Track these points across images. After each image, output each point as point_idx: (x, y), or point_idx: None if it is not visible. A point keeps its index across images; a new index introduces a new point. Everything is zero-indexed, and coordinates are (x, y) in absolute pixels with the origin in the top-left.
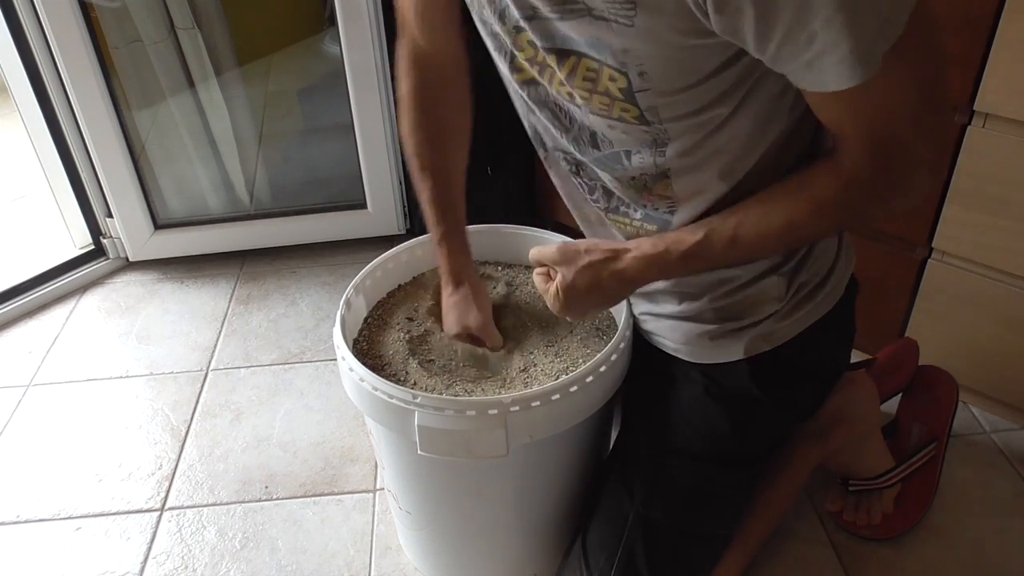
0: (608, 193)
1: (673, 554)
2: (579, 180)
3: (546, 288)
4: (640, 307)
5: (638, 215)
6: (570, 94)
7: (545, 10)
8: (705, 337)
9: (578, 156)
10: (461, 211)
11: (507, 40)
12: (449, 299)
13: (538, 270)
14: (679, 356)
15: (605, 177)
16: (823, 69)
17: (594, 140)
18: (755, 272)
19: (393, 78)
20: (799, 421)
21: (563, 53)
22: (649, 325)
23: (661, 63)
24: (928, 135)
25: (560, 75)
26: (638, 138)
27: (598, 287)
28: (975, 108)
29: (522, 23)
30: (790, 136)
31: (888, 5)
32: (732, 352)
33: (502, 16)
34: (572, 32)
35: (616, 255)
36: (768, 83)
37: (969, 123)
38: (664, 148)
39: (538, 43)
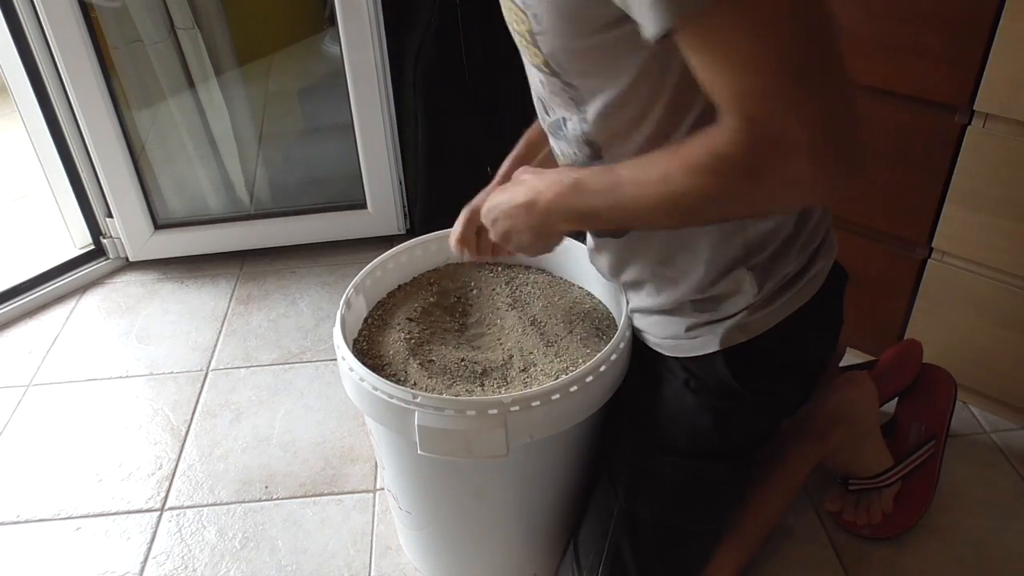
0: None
1: (659, 549)
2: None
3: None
4: (631, 303)
5: None
6: (519, 35)
7: None
8: (682, 330)
9: (547, 121)
10: (540, 146)
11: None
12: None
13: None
14: (661, 352)
15: (563, 152)
16: (642, 10)
17: (543, 106)
18: (723, 265)
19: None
20: (785, 416)
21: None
22: (637, 322)
23: (546, 6)
24: (805, 119)
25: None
26: (561, 98)
27: (511, 201)
28: (975, 108)
29: None
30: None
31: None
32: (708, 344)
33: None
34: None
35: (541, 175)
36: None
37: (969, 123)
38: (584, 111)
39: None
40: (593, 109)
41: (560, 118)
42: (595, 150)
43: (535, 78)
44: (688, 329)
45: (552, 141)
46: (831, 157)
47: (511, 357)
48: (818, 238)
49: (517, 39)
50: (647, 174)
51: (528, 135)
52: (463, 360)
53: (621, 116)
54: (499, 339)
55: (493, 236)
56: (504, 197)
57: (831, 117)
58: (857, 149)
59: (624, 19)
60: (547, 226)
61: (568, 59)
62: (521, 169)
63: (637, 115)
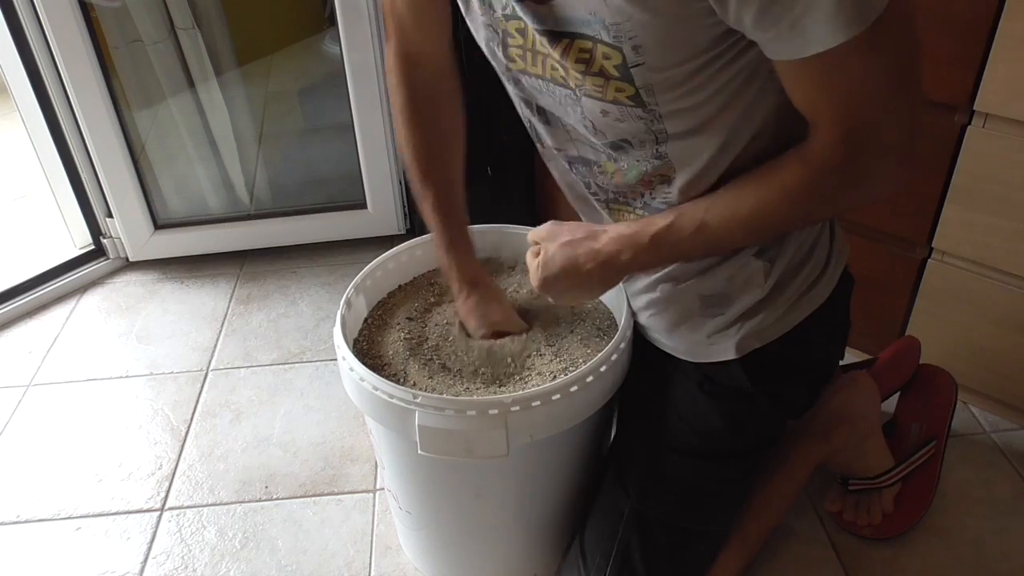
0: (604, 186)
1: (669, 550)
2: (577, 174)
3: (531, 264)
4: (636, 301)
5: (638, 204)
6: (563, 77)
7: None
8: (700, 336)
9: (573, 151)
10: (463, 214)
11: (498, 29)
12: (467, 302)
13: (531, 249)
14: (675, 355)
15: (604, 168)
16: (807, 28)
17: (592, 129)
18: (740, 256)
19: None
20: (793, 417)
21: (555, 35)
22: (645, 321)
23: (652, 32)
24: (899, 123)
25: (555, 55)
26: (633, 126)
27: (575, 265)
28: (975, 108)
29: (513, 5)
30: (778, 127)
31: None
32: (725, 352)
33: (491, 4)
34: (565, 8)
35: (594, 234)
36: (760, 70)
37: (969, 123)
38: (661, 132)
39: (530, 24)
40: (670, 128)
41: (620, 140)
42: (664, 161)
43: (595, 109)
44: (703, 336)
45: (571, 166)
46: (911, 155)
47: (511, 357)
48: (824, 239)
49: (593, 82)
50: (737, 210)
51: (457, 251)
52: (463, 360)
53: (700, 137)
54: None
55: (554, 300)
56: (565, 266)
57: (917, 119)
58: (921, 145)
59: (725, 36)
60: (618, 280)
61: (662, 85)
62: (550, 228)
63: (718, 129)
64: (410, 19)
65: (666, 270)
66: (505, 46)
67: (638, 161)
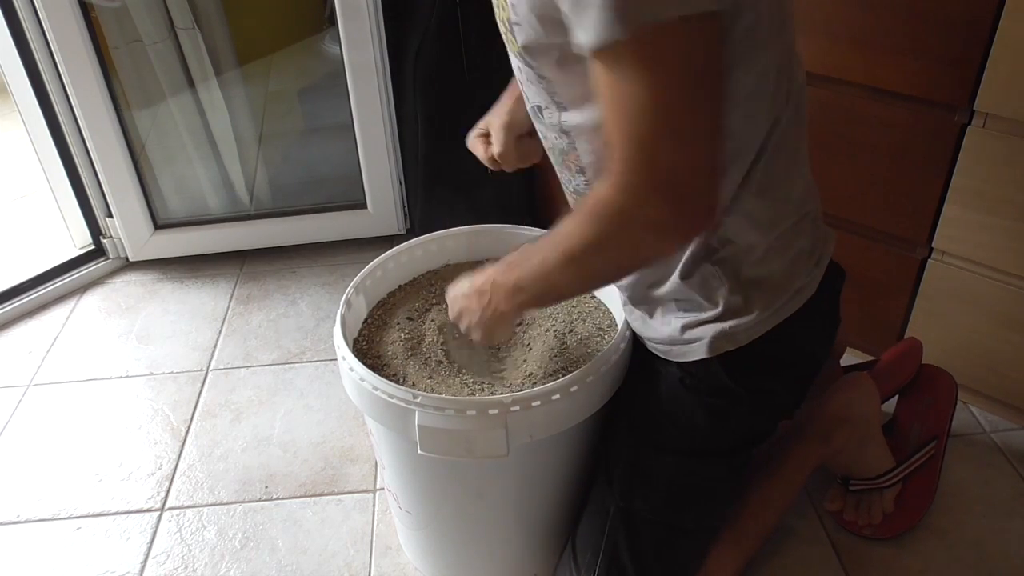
0: (562, 170)
1: (656, 547)
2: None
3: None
4: (627, 304)
5: (571, 186)
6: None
7: None
8: (674, 335)
9: (533, 120)
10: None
11: None
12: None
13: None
14: (657, 354)
15: (544, 135)
16: (583, 20)
17: (521, 90)
18: (690, 263)
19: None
20: (782, 414)
21: None
22: (634, 325)
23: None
24: (665, 168)
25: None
26: (536, 87)
27: (482, 292)
28: (975, 108)
29: None
30: None
31: None
32: (697, 352)
33: None
34: None
35: (481, 272)
36: None
37: (969, 123)
38: (557, 101)
39: None
40: (564, 100)
41: (536, 105)
42: (570, 139)
43: (514, 64)
44: (680, 337)
45: (537, 128)
46: (686, 207)
47: (512, 357)
48: (794, 246)
49: (500, 26)
50: (553, 236)
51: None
52: (463, 360)
53: (586, 111)
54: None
55: (450, 316)
56: (464, 281)
57: (692, 172)
58: (711, 202)
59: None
60: (491, 307)
61: (537, 52)
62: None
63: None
64: None
65: (633, 278)
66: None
67: (556, 137)
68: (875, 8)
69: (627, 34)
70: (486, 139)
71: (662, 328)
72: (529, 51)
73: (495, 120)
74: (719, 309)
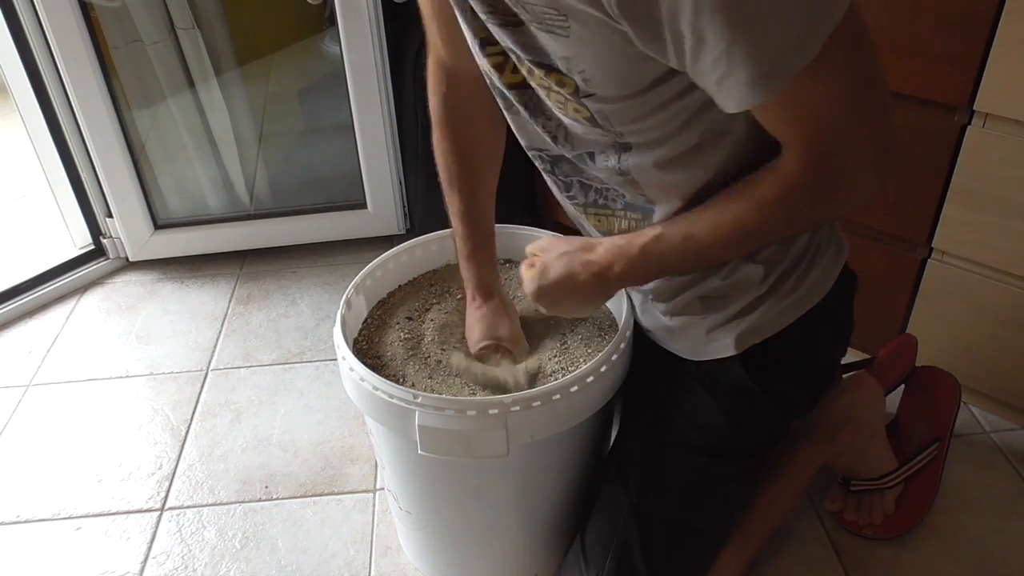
0: (585, 187)
1: (668, 546)
2: (553, 178)
3: (525, 275)
4: (638, 303)
5: (619, 204)
6: (532, 84)
7: (489, 20)
8: (699, 334)
9: (554, 151)
10: (490, 226)
11: (475, 40)
12: (477, 311)
13: (525, 261)
14: (675, 353)
15: (587, 176)
16: (729, 89)
17: (567, 135)
18: (734, 260)
19: (421, 89)
20: (794, 416)
21: (520, 60)
22: (647, 323)
23: (600, 69)
24: (865, 141)
25: (522, 70)
26: (596, 139)
27: (571, 275)
28: (975, 108)
29: (483, 18)
30: (748, 141)
31: (801, 29)
32: (724, 349)
33: (465, 12)
34: (518, 40)
35: (590, 246)
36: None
37: (969, 123)
38: (625, 148)
39: (498, 40)
40: (633, 142)
41: (585, 153)
42: (628, 177)
43: (561, 120)
44: (703, 334)
45: (551, 170)
46: (883, 167)
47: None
48: (819, 236)
49: (549, 95)
50: (718, 223)
51: (476, 258)
52: (463, 360)
53: (657, 149)
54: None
55: (548, 311)
56: (559, 277)
57: (883, 133)
58: (894, 153)
59: (671, 74)
60: (612, 292)
61: (616, 113)
62: (548, 241)
63: (682, 150)
64: (438, 31)
65: (670, 282)
66: (483, 48)
67: (609, 168)
68: (875, 8)
69: (782, 89)
70: (496, 348)
71: (684, 326)
72: (602, 114)
73: (504, 333)
74: (744, 305)
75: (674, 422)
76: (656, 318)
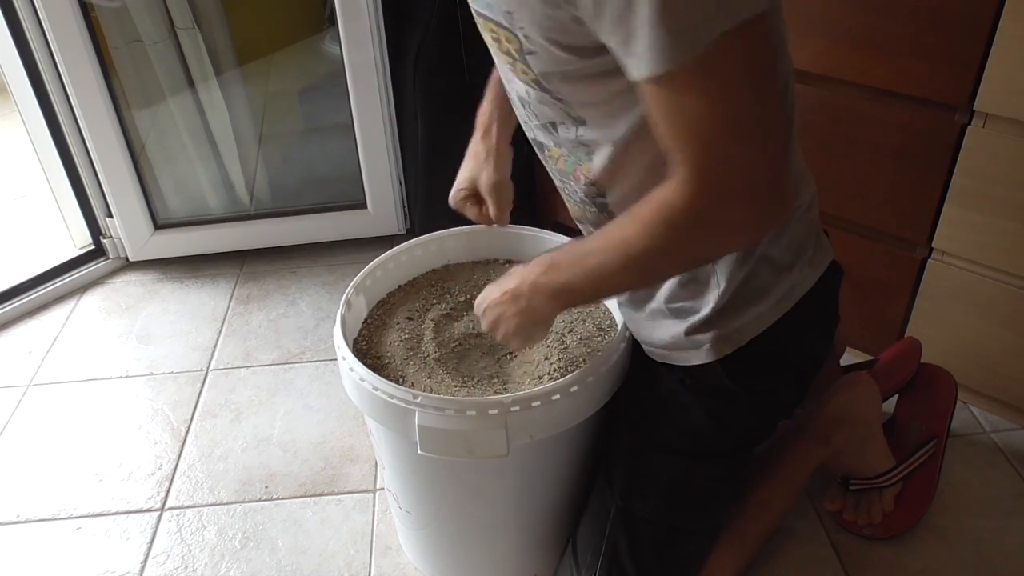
0: (554, 172)
1: (656, 548)
2: (541, 158)
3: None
4: (623, 310)
5: (576, 196)
6: (495, 53)
7: None
8: (676, 340)
9: (530, 133)
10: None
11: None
12: (472, 147)
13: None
14: (654, 358)
15: (551, 153)
16: (635, 51)
17: (528, 109)
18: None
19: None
20: (781, 414)
21: (478, 15)
22: (633, 328)
23: (536, 29)
24: (744, 166)
25: (485, 36)
26: (551, 108)
27: (518, 296)
28: (975, 108)
29: None
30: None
31: (711, 7)
32: (701, 355)
33: None
34: None
35: (530, 263)
36: None
37: (969, 123)
38: (576, 118)
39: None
40: (583, 115)
41: (549, 122)
42: (588, 150)
43: (520, 88)
44: (678, 339)
45: (542, 138)
46: (766, 203)
47: (511, 357)
48: (787, 244)
49: (500, 57)
50: (610, 241)
51: (494, 90)
52: (463, 360)
53: (611, 125)
54: None
55: (484, 326)
56: (494, 288)
57: (768, 169)
58: (787, 194)
59: (598, 50)
60: (531, 309)
61: (558, 79)
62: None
63: (624, 127)
64: None
65: (641, 307)
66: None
67: (570, 146)
68: (875, 8)
69: (682, 62)
70: (475, 199)
71: (660, 333)
72: (547, 77)
73: (484, 179)
74: (713, 310)
75: (657, 424)
76: (635, 322)
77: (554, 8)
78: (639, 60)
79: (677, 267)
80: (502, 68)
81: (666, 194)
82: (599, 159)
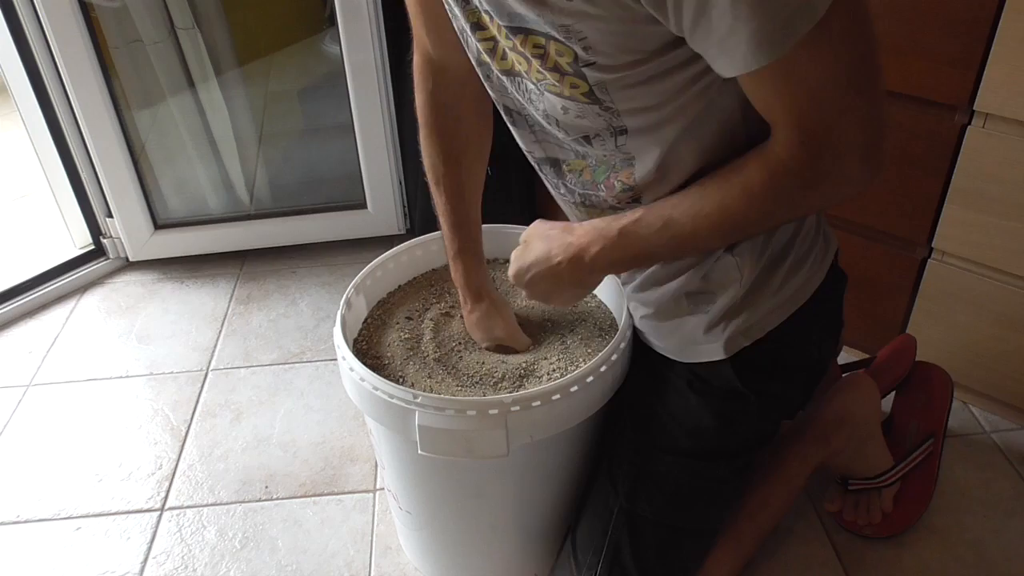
0: (573, 187)
1: (659, 548)
2: (545, 177)
3: (511, 258)
4: (631, 305)
5: (606, 208)
6: (527, 71)
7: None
8: (687, 335)
9: (540, 152)
10: (476, 225)
11: (468, 20)
12: (471, 315)
13: (517, 248)
14: (666, 355)
15: (572, 166)
16: (731, 49)
17: (556, 125)
18: (709, 254)
19: (406, 90)
20: (785, 416)
21: (514, 29)
22: (639, 324)
23: (601, 36)
24: (857, 125)
25: (518, 47)
26: (593, 122)
27: (547, 257)
28: (975, 108)
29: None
30: (746, 125)
31: None
32: (712, 351)
33: None
34: (518, 6)
35: (570, 228)
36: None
37: (969, 123)
38: (620, 126)
39: (493, 16)
40: (628, 126)
41: (583, 136)
42: (628, 156)
43: (552, 103)
44: (692, 336)
45: (555, 155)
46: (875, 155)
47: (510, 357)
48: (805, 233)
49: (537, 74)
50: (702, 208)
51: (459, 241)
52: (463, 360)
53: (658, 129)
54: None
55: (529, 297)
56: (537, 257)
57: (877, 119)
58: (888, 148)
59: (677, 43)
60: (592, 279)
61: (616, 83)
62: (535, 224)
63: (674, 129)
64: (424, 25)
65: (648, 272)
66: (473, 40)
67: (604, 155)
68: (875, 8)
69: (780, 55)
70: (501, 348)
71: (672, 328)
72: (603, 86)
73: (499, 334)
74: (733, 303)
75: (663, 424)
76: (644, 318)
77: (633, 14)
78: (731, 62)
79: (777, 225)
80: (524, 89)
81: (775, 160)
82: (644, 164)
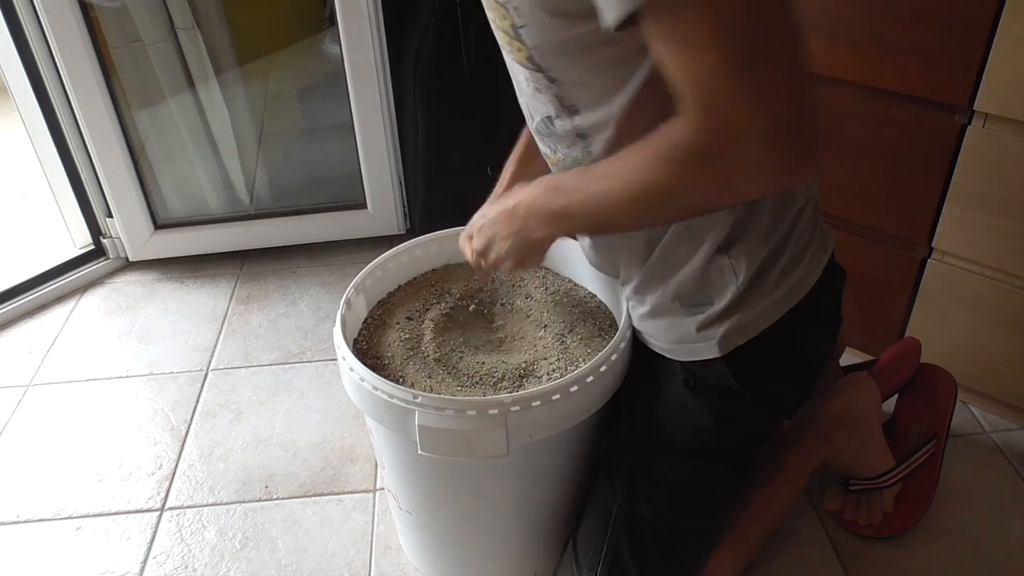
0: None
1: (658, 548)
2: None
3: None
4: (629, 304)
5: None
6: (506, 46)
7: None
8: (683, 334)
9: (533, 132)
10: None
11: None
12: (493, 196)
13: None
14: (663, 354)
15: (554, 149)
16: None
17: (527, 108)
18: (704, 254)
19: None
20: (783, 415)
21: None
22: (640, 326)
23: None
24: (755, 100)
25: (497, 22)
26: (546, 95)
27: (489, 214)
28: (975, 108)
29: None
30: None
31: None
32: (707, 350)
33: None
34: None
35: (531, 183)
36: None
37: (969, 123)
38: (569, 105)
39: None
40: (576, 102)
41: (546, 116)
42: (587, 141)
43: (520, 77)
44: (687, 335)
45: (541, 144)
46: (784, 144)
47: (510, 357)
48: (801, 230)
49: (499, 36)
50: (614, 170)
51: (526, 134)
52: (463, 360)
53: (607, 103)
54: (499, 338)
55: (477, 246)
56: (490, 208)
57: (785, 104)
58: (811, 137)
59: (588, 15)
60: (527, 231)
61: (551, 53)
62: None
63: (619, 103)
64: None
65: (645, 274)
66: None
67: (568, 146)
68: (875, 8)
69: (640, 2)
70: None
71: (667, 326)
72: (540, 51)
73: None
74: (729, 303)
75: (660, 424)
76: (640, 318)
77: None
78: (612, 5)
79: (688, 208)
80: (507, 59)
81: (672, 128)
82: (598, 144)
